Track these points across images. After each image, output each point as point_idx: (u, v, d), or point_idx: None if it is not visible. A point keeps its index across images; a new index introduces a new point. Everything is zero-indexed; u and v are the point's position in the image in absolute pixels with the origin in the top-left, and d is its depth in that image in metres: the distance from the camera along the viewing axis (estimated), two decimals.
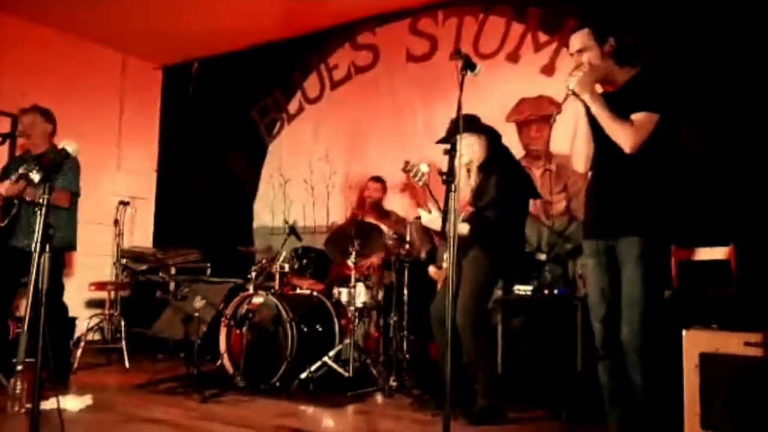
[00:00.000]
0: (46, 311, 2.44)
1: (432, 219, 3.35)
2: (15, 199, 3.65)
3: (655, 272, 2.34)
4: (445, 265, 3.49)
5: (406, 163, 3.39)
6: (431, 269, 4.00)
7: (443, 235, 3.25)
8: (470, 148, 3.24)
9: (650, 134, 2.32)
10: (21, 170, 3.41)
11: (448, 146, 2.44)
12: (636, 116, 2.33)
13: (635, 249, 2.32)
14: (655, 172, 2.37)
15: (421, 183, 3.36)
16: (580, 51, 2.46)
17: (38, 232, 2.47)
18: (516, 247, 3.33)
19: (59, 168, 2.63)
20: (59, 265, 3.84)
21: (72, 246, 4.04)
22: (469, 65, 2.41)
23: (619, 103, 2.37)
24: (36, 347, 2.39)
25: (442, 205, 3.12)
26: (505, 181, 3.16)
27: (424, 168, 3.35)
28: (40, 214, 2.48)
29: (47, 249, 2.40)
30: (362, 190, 4.95)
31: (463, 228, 3.11)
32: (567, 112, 2.43)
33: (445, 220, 2.37)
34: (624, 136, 2.32)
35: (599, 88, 2.46)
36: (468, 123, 3.05)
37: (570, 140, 2.53)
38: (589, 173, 2.56)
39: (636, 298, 2.31)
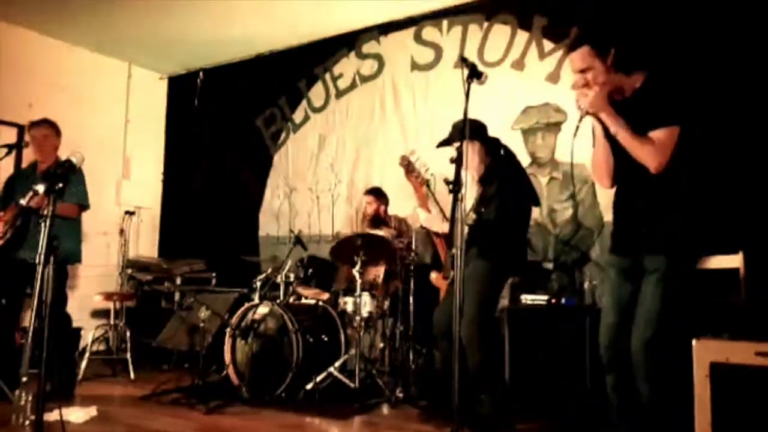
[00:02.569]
0: (49, 322, 2.43)
1: (431, 218, 3.31)
2: (31, 210, 3.60)
3: (676, 291, 2.32)
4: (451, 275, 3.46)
5: (403, 158, 3.34)
6: (433, 275, 3.97)
7: (446, 238, 3.20)
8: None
9: (673, 149, 2.27)
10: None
11: (448, 149, 2.42)
12: (655, 134, 2.27)
13: (660, 266, 2.30)
14: (679, 188, 2.34)
15: (419, 179, 3.31)
16: (583, 71, 2.38)
17: (42, 244, 2.47)
18: (517, 254, 3.29)
19: (66, 179, 2.61)
20: (62, 277, 3.84)
21: (77, 258, 4.05)
22: (475, 73, 2.38)
23: (633, 112, 2.32)
24: (40, 358, 2.38)
25: (445, 209, 3.09)
26: (505, 187, 3.13)
27: (421, 166, 3.30)
28: (45, 225, 2.47)
29: (51, 261, 2.40)
30: (360, 205, 4.97)
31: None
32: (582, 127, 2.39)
33: (452, 229, 2.35)
34: (648, 157, 2.28)
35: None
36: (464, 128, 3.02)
37: (590, 157, 2.51)
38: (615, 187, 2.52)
39: (653, 314, 2.28)
